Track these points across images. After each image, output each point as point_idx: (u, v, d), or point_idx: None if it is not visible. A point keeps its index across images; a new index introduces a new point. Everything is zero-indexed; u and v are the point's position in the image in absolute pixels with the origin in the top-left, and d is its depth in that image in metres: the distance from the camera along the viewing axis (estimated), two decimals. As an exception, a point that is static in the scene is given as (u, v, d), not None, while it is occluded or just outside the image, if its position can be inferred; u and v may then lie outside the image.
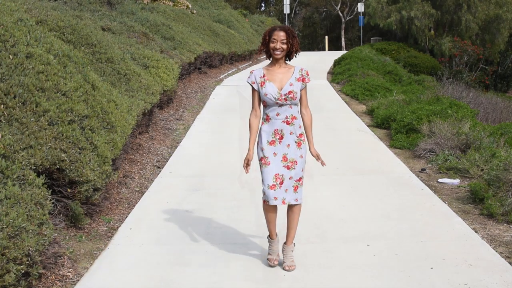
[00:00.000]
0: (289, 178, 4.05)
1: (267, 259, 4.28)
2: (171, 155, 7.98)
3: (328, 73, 19.77)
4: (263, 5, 54.71)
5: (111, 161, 5.44)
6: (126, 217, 5.46)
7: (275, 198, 4.03)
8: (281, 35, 4.02)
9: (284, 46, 4.03)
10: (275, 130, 4.06)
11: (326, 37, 42.63)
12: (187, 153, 8.16)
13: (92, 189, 4.99)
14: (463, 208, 5.70)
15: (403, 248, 4.56)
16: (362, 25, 38.34)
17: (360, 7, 37.26)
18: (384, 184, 6.48)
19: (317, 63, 22.89)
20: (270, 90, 4.03)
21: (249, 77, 4.16)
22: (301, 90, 4.09)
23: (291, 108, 4.07)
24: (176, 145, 8.66)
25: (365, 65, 18.17)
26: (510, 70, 29.98)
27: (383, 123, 9.99)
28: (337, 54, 25.27)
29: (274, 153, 4.06)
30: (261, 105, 4.15)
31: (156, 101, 9.08)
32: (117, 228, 5.16)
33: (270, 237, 4.30)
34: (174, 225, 5.21)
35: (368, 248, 4.57)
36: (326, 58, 24.52)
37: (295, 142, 4.08)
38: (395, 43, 28.22)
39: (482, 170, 6.69)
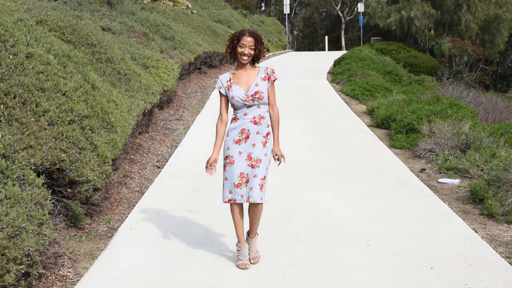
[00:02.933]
0: (254, 177, 4.10)
1: (238, 264, 4.25)
2: (171, 155, 7.98)
3: (328, 73, 19.77)
4: (263, 5, 54.71)
5: (111, 161, 5.44)
6: (126, 217, 5.46)
7: (242, 196, 4.10)
8: (249, 40, 4.04)
9: (252, 52, 4.07)
10: (242, 129, 4.11)
11: (326, 37, 42.65)
12: (187, 153, 8.16)
13: (92, 189, 4.99)
14: (463, 208, 5.70)
15: (403, 248, 4.56)
16: (362, 25, 38.34)
17: (360, 7, 37.26)
18: (384, 184, 6.47)
19: (317, 63, 22.91)
20: (237, 93, 4.09)
21: (216, 82, 4.21)
22: (268, 89, 4.12)
23: (259, 108, 4.12)
24: (176, 145, 8.66)
25: (365, 65, 18.17)
26: (510, 70, 29.96)
27: (383, 123, 9.99)
28: (337, 54, 25.27)
29: (239, 152, 4.12)
30: (230, 108, 4.21)
31: (156, 101, 9.08)
32: (117, 228, 5.16)
33: (239, 242, 4.30)
34: (174, 225, 5.21)
35: (368, 248, 4.57)
36: (326, 58, 24.52)
37: (261, 141, 4.12)
38: (395, 43, 28.21)
39: (482, 170, 6.69)
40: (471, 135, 7.63)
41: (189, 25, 18.62)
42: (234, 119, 4.16)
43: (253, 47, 4.05)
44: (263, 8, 54.48)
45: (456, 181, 6.59)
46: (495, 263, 4.28)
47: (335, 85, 16.12)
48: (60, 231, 4.62)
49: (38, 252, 3.59)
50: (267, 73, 4.13)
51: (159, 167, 7.34)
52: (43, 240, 3.65)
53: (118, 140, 5.84)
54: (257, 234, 4.35)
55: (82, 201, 4.99)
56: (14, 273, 3.35)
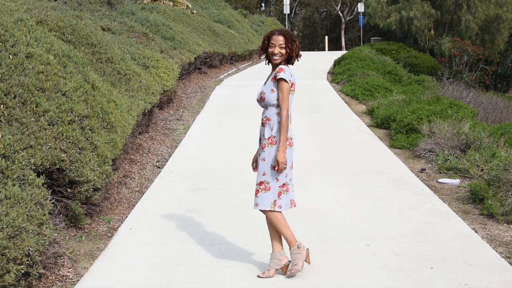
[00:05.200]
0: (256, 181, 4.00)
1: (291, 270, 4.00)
2: (171, 155, 7.98)
3: (328, 73, 19.76)
4: (263, 5, 54.70)
5: (111, 161, 5.44)
6: (126, 217, 5.46)
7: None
8: (279, 39, 3.88)
9: (283, 51, 3.89)
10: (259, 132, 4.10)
11: (326, 37, 42.64)
12: (187, 153, 8.16)
13: (92, 189, 4.99)
14: (463, 208, 5.70)
15: (403, 248, 4.56)
16: (362, 25, 38.34)
17: (360, 7, 37.26)
18: (384, 184, 6.48)
19: (317, 63, 22.89)
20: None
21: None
22: (275, 89, 3.91)
23: (267, 109, 3.99)
24: (176, 145, 8.66)
25: (365, 65, 18.15)
26: (510, 70, 29.97)
27: (383, 123, 9.99)
28: (337, 54, 25.26)
29: (259, 154, 4.04)
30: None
31: (156, 101, 9.08)
32: (117, 228, 5.16)
33: (289, 245, 4.01)
34: (174, 225, 5.21)
35: (368, 248, 4.57)
36: (326, 58, 24.51)
37: (262, 144, 3.99)
38: (395, 43, 28.20)
39: (482, 170, 6.69)
40: (471, 135, 7.63)
41: (189, 25, 18.62)
42: None
43: (283, 45, 3.88)
44: (263, 8, 54.47)
45: (456, 181, 6.59)
46: (495, 263, 4.28)
47: (335, 85, 16.11)
48: (60, 231, 4.62)
49: (38, 252, 3.59)
50: (274, 73, 3.92)
51: (159, 167, 7.34)
52: (43, 240, 3.65)
53: (118, 140, 5.84)
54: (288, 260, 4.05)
55: (82, 201, 4.99)
56: (14, 273, 3.36)
